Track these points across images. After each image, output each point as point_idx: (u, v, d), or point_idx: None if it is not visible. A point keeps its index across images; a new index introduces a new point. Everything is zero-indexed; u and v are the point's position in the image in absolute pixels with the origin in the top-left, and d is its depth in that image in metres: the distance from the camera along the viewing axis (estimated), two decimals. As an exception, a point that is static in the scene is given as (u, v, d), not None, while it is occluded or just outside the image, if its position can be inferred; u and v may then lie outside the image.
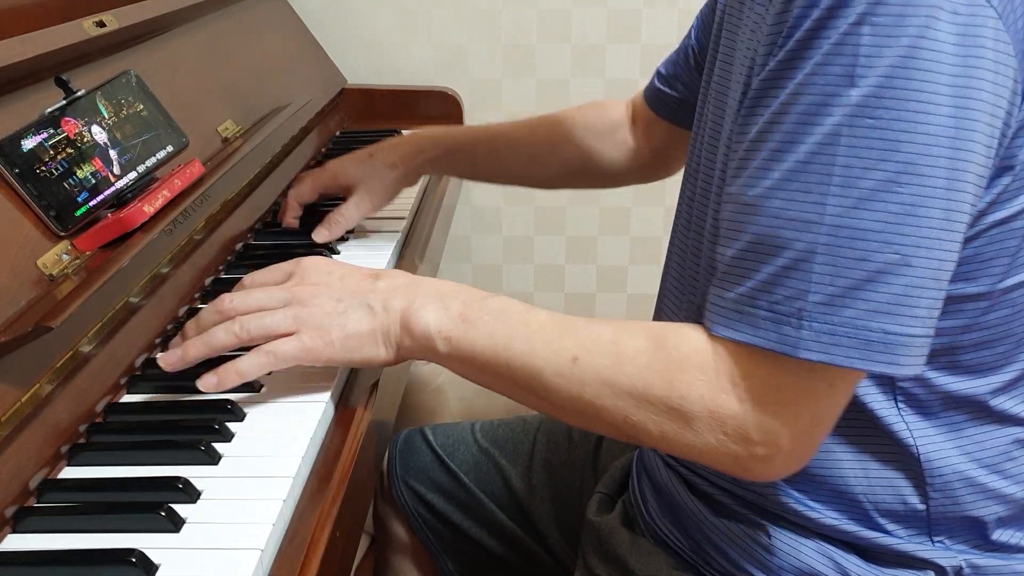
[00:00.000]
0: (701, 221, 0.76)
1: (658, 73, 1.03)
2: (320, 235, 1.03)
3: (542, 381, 0.67)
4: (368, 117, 1.60)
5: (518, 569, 1.02)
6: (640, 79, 1.70)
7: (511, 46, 1.69)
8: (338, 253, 1.04)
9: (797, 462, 0.62)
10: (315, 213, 1.08)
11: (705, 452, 0.62)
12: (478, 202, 1.78)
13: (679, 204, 0.86)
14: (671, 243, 0.88)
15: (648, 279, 1.82)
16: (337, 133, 1.50)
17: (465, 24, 1.68)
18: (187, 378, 0.79)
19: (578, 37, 1.68)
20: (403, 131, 1.52)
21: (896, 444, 0.67)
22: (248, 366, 0.71)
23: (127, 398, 0.76)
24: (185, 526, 0.61)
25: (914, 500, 0.69)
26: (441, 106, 1.61)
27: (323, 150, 1.41)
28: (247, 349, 0.72)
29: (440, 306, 0.71)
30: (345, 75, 1.63)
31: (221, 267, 0.98)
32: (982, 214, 0.61)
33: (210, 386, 0.71)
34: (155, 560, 0.57)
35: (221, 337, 0.72)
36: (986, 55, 0.56)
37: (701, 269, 0.76)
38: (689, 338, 0.63)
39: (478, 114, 1.72)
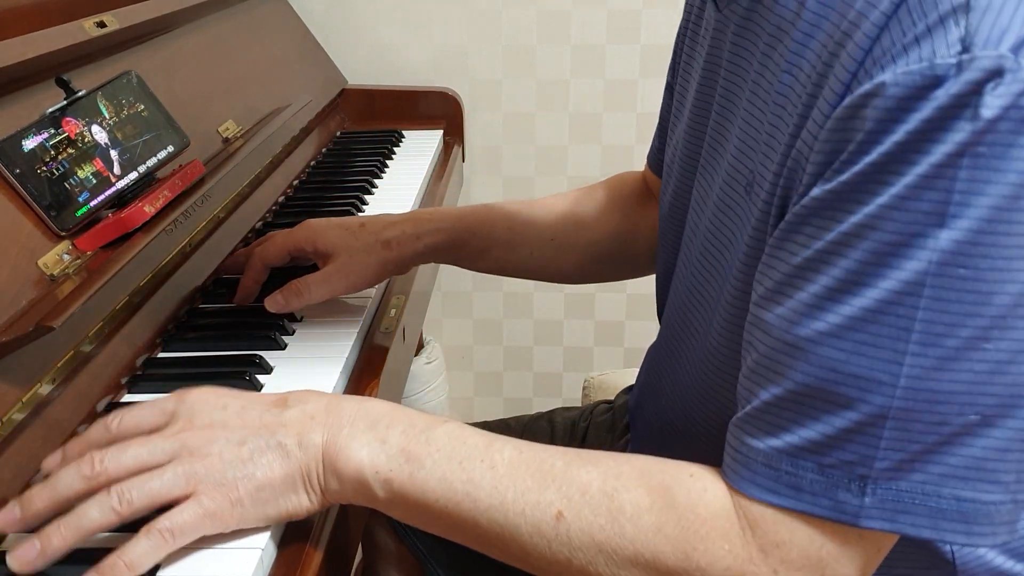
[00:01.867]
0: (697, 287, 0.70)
1: (656, 133, 0.93)
2: (273, 303, 0.84)
3: (518, 540, 0.56)
4: (368, 117, 1.61)
5: (511, 571, 1.02)
6: (640, 79, 1.70)
7: (511, 46, 1.69)
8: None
9: None
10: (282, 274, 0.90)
11: None
12: (478, 203, 1.78)
13: (662, 239, 0.79)
14: (665, 254, 0.80)
15: (648, 279, 1.81)
16: (337, 133, 1.51)
17: (465, 24, 1.68)
18: (188, 378, 0.79)
19: (578, 37, 1.68)
20: (403, 132, 1.52)
21: (931, 550, 0.63)
22: (140, 555, 0.54)
23: (128, 398, 0.77)
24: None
25: None
26: (441, 106, 1.61)
27: (323, 150, 1.41)
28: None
29: (374, 438, 0.58)
30: (345, 75, 1.63)
31: (221, 267, 0.98)
32: None
33: None
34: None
35: (94, 517, 0.55)
36: None
37: (704, 344, 0.69)
38: (705, 494, 0.54)
39: (478, 114, 1.72)
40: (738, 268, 0.62)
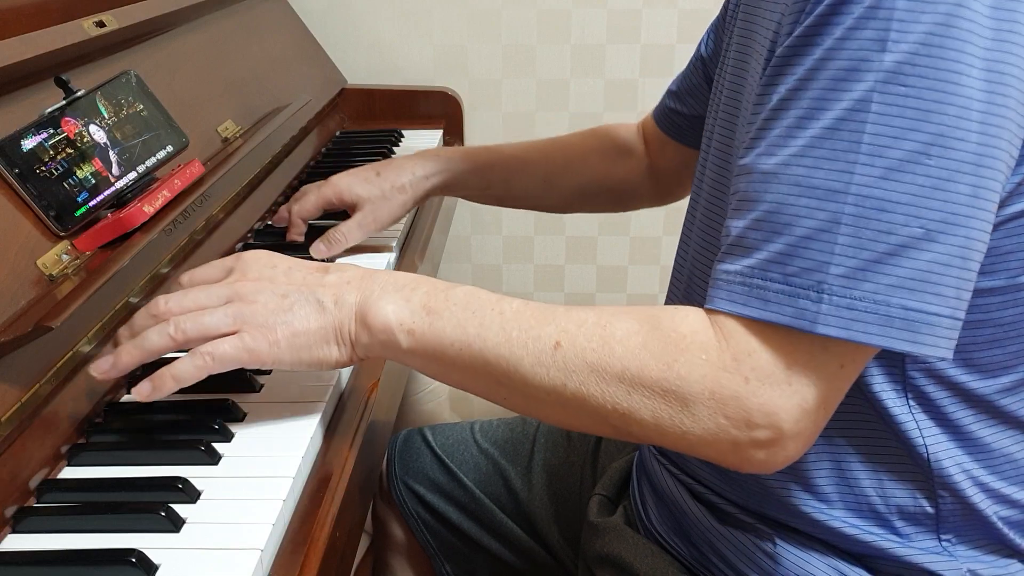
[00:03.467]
0: (715, 230, 0.74)
1: (669, 91, 1.01)
2: (318, 251, 0.99)
3: (520, 372, 0.62)
4: (368, 117, 1.60)
5: (518, 570, 1.02)
6: (640, 79, 1.70)
7: (511, 46, 1.69)
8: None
9: (796, 450, 0.59)
10: (313, 226, 1.06)
11: (702, 440, 0.59)
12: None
13: (688, 217, 0.84)
14: (680, 254, 0.85)
15: (648, 279, 1.82)
16: (337, 133, 1.50)
17: (465, 24, 1.68)
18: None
19: (578, 37, 1.68)
20: (403, 132, 1.52)
21: (906, 443, 0.66)
22: (184, 370, 0.66)
23: (127, 398, 0.76)
24: (185, 526, 0.61)
25: (925, 502, 0.68)
26: (441, 106, 1.61)
27: (323, 150, 1.41)
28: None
29: (400, 297, 0.66)
30: (345, 75, 1.63)
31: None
32: (1002, 205, 0.59)
33: (144, 394, 0.66)
34: (155, 560, 0.57)
35: (154, 340, 0.66)
36: (1020, 29, 0.54)
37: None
38: (687, 318, 0.60)
39: (478, 114, 1.72)
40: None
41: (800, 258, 0.55)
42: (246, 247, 1.04)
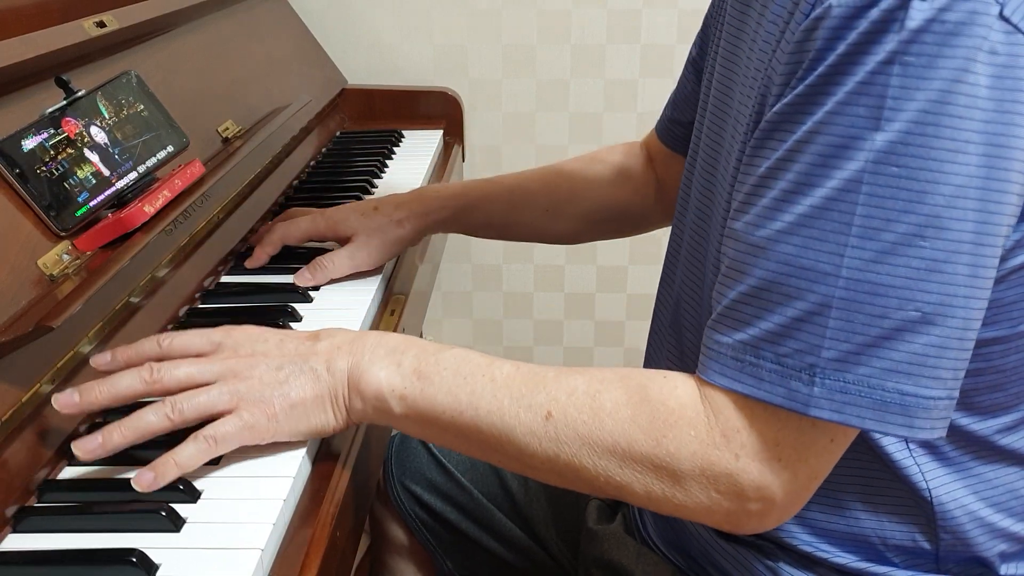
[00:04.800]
0: (701, 247, 0.74)
1: (669, 103, 0.98)
2: (302, 278, 0.94)
3: (513, 441, 0.62)
4: (368, 117, 1.60)
5: (518, 570, 1.02)
6: (640, 79, 1.70)
7: (511, 46, 1.69)
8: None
9: (789, 514, 0.59)
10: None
11: (695, 511, 0.59)
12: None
13: (672, 227, 0.84)
14: (665, 266, 0.85)
15: (648, 279, 1.82)
16: (337, 133, 1.50)
17: (465, 24, 1.68)
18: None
19: (578, 37, 1.68)
20: (403, 132, 1.52)
21: (909, 488, 0.66)
22: (187, 456, 0.63)
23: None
24: (185, 526, 0.61)
25: (924, 541, 0.67)
26: (441, 106, 1.61)
27: (323, 150, 1.41)
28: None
29: (391, 361, 0.66)
30: (345, 75, 1.63)
31: (221, 267, 0.98)
32: (1003, 259, 0.57)
33: (145, 483, 0.62)
34: (155, 560, 0.58)
35: (151, 420, 0.64)
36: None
37: (703, 300, 0.74)
38: (676, 390, 0.59)
39: (478, 114, 1.72)
40: (723, 204, 0.67)
41: (792, 339, 0.55)
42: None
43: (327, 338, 0.69)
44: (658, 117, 1.00)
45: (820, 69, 0.54)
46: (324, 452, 0.71)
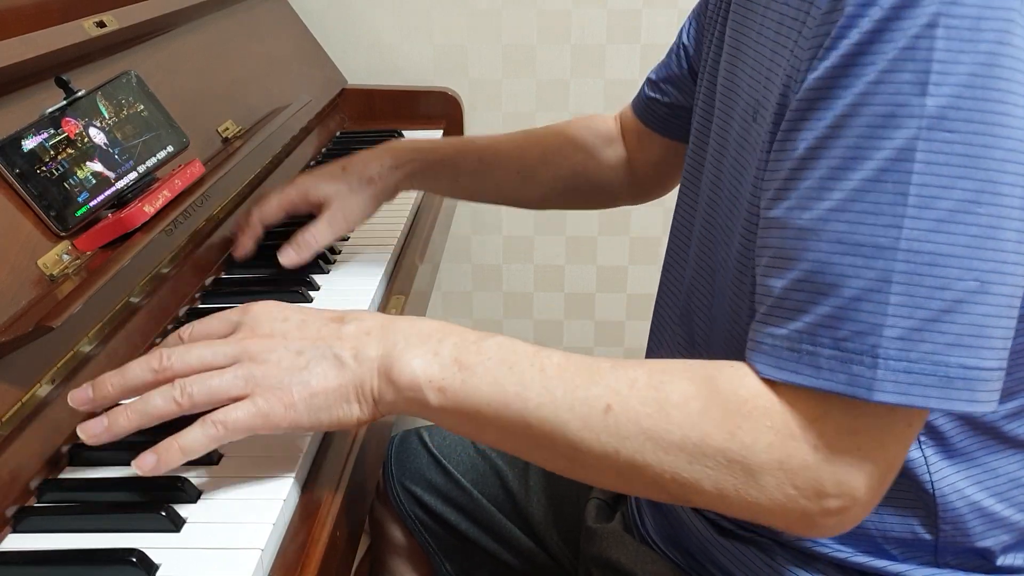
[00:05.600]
0: (712, 238, 0.73)
1: (648, 80, 0.98)
2: (287, 256, 0.93)
3: (567, 437, 0.57)
4: (368, 117, 1.61)
5: (517, 571, 1.02)
6: (640, 79, 1.69)
7: (511, 46, 1.69)
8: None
9: (867, 511, 0.56)
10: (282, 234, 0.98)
11: (770, 510, 0.55)
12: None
13: (677, 216, 0.83)
14: (669, 257, 0.85)
15: (648, 279, 1.82)
16: (337, 133, 1.51)
17: (465, 24, 1.68)
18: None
19: (578, 37, 1.68)
20: (403, 132, 1.52)
21: (911, 481, 0.65)
22: (193, 440, 0.60)
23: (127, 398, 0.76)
24: (185, 526, 0.61)
25: (923, 533, 0.66)
26: (441, 106, 1.61)
27: (323, 150, 1.41)
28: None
29: (428, 349, 0.61)
30: (345, 75, 1.63)
31: (221, 267, 0.98)
32: None
33: (147, 467, 0.59)
34: (155, 560, 0.57)
35: (158, 404, 0.60)
36: None
37: (716, 289, 0.73)
38: (746, 379, 0.56)
39: (478, 114, 1.72)
40: (750, 191, 0.64)
41: (851, 321, 0.52)
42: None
43: (354, 321, 0.63)
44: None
45: (853, 37, 0.52)
46: (324, 452, 0.71)
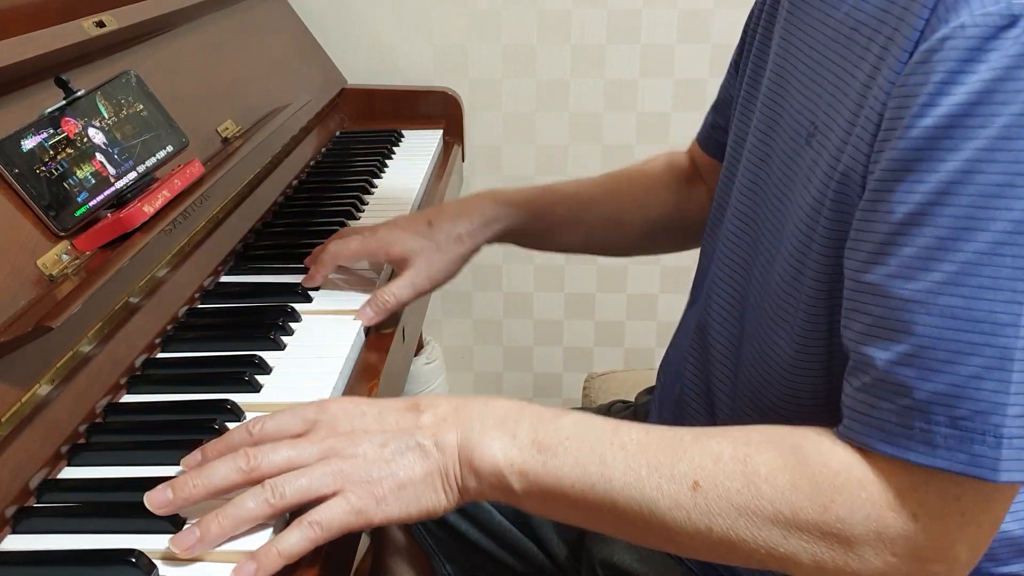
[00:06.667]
0: (741, 262, 0.72)
1: (711, 108, 0.94)
2: (365, 316, 0.87)
3: (656, 515, 0.57)
4: (368, 117, 1.60)
5: (518, 573, 1.02)
6: (640, 79, 1.70)
7: (511, 46, 1.69)
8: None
9: (967, 571, 0.55)
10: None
11: None
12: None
13: (710, 226, 0.81)
14: (702, 272, 0.82)
15: (648, 279, 1.82)
16: (337, 133, 1.50)
17: (465, 24, 1.68)
18: (187, 379, 0.79)
19: (578, 37, 1.68)
20: (403, 132, 1.52)
21: None
22: (293, 545, 0.57)
23: (127, 398, 0.76)
24: (185, 526, 0.61)
25: None
26: (441, 106, 1.61)
27: (323, 150, 1.41)
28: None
29: (505, 433, 0.60)
30: (345, 75, 1.63)
31: (221, 267, 0.98)
32: None
33: (249, 572, 0.57)
34: (155, 560, 0.57)
35: (251, 508, 0.58)
36: None
37: (747, 309, 0.71)
38: (835, 449, 0.55)
39: (478, 114, 1.72)
40: (800, 217, 0.63)
41: (970, 399, 0.50)
42: (246, 246, 1.03)
43: (429, 408, 0.63)
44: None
45: (958, 98, 0.49)
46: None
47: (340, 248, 0.93)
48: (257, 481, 0.59)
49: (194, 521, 0.59)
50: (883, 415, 0.53)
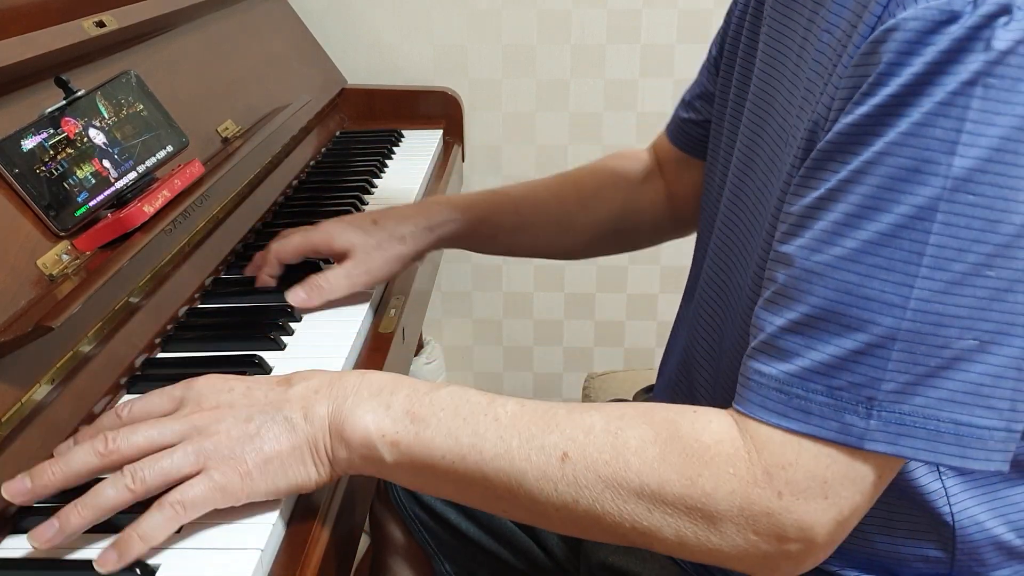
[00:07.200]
0: (727, 264, 0.73)
1: (681, 102, 0.94)
2: (295, 297, 0.88)
3: (524, 487, 0.57)
4: (368, 117, 1.60)
5: (518, 572, 1.02)
6: (640, 79, 1.70)
7: (511, 46, 1.69)
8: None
9: (827, 554, 0.56)
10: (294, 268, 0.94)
11: (729, 556, 0.55)
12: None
13: (700, 233, 0.82)
14: (695, 271, 0.82)
15: (648, 279, 1.82)
16: (337, 133, 1.50)
17: (465, 24, 1.68)
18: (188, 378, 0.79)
19: (578, 37, 1.68)
20: (403, 132, 1.52)
21: (930, 512, 0.64)
22: (152, 527, 0.56)
23: (127, 398, 0.76)
24: (184, 526, 0.61)
25: (938, 563, 0.65)
26: (441, 106, 1.61)
27: (323, 150, 1.41)
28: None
29: (379, 403, 0.60)
30: (345, 75, 1.63)
31: (221, 267, 0.98)
32: None
33: (109, 564, 0.55)
34: (155, 560, 0.57)
35: (110, 495, 0.56)
36: None
37: (728, 316, 0.72)
38: (710, 425, 0.56)
39: (478, 114, 1.72)
40: (770, 221, 0.64)
41: (849, 372, 0.52)
42: (245, 246, 1.03)
43: (300, 382, 0.62)
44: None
45: (891, 87, 0.51)
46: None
47: (282, 245, 0.93)
48: (118, 464, 0.58)
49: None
50: (765, 380, 0.54)
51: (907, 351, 0.51)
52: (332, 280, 0.89)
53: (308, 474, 0.60)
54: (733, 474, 0.54)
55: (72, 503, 0.57)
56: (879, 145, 0.51)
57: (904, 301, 0.51)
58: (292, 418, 0.60)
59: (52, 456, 0.61)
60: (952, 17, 0.49)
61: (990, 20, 0.49)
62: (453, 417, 0.59)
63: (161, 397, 0.63)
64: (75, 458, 0.59)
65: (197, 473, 0.58)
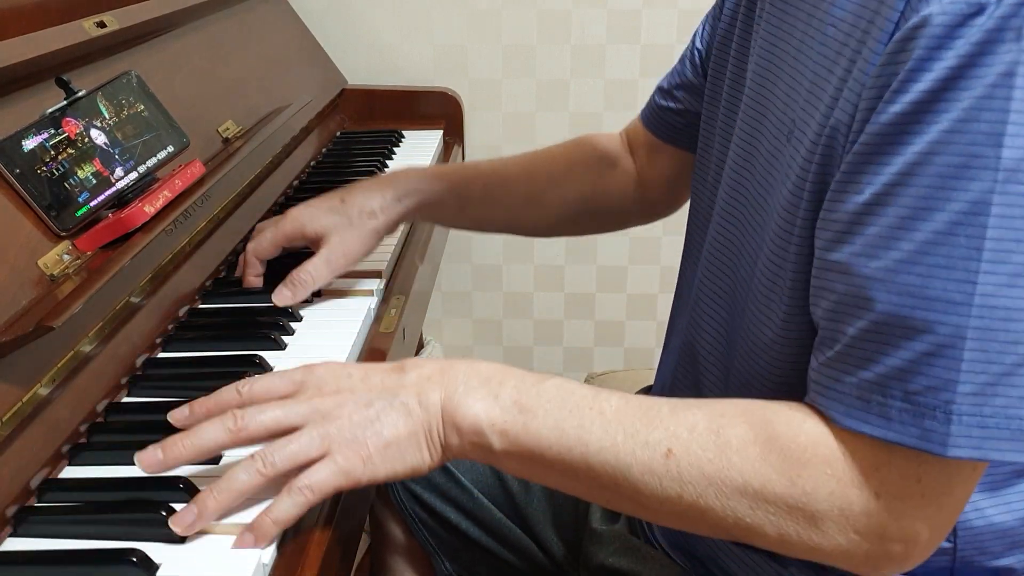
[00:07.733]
0: (727, 255, 0.73)
1: (658, 89, 0.95)
2: (281, 297, 0.88)
3: (629, 480, 0.58)
4: (368, 117, 1.61)
5: (517, 570, 1.02)
6: (640, 79, 1.70)
7: (511, 46, 1.69)
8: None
9: (931, 551, 0.56)
10: (282, 265, 0.93)
11: (832, 554, 0.56)
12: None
13: (688, 232, 0.82)
14: (688, 269, 0.82)
15: (648, 279, 1.82)
16: (337, 133, 1.51)
17: (465, 24, 1.68)
18: (188, 378, 0.79)
19: (578, 37, 1.68)
20: (404, 132, 1.52)
21: None
22: (284, 511, 0.59)
23: (127, 398, 0.77)
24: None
25: (941, 552, 0.65)
26: (441, 106, 1.61)
27: (324, 150, 1.41)
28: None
29: (487, 393, 0.61)
30: (345, 75, 1.63)
31: (222, 267, 0.99)
32: None
33: (247, 545, 0.59)
34: (156, 560, 0.58)
35: (244, 480, 0.60)
36: None
37: (736, 310, 0.71)
38: (804, 425, 0.56)
39: (478, 114, 1.72)
40: (779, 213, 0.64)
41: (923, 375, 0.52)
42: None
43: (414, 369, 0.64)
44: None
45: (924, 83, 0.51)
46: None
47: (258, 243, 0.93)
48: (244, 442, 0.61)
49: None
50: (845, 388, 0.55)
51: (979, 350, 0.51)
52: (313, 271, 0.89)
53: (423, 459, 0.62)
54: (831, 475, 0.54)
55: (207, 489, 0.60)
56: (922, 145, 0.51)
57: (968, 299, 0.50)
58: (408, 404, 0.62)
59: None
60: (979, 9, 0.49)
61: (1018, 8, 0.48)
62: (559, 409, 0.60)
63: (282, 379, 0.65)
64: (205, 434, 0.61)
65: (321, 457, 0.60)
